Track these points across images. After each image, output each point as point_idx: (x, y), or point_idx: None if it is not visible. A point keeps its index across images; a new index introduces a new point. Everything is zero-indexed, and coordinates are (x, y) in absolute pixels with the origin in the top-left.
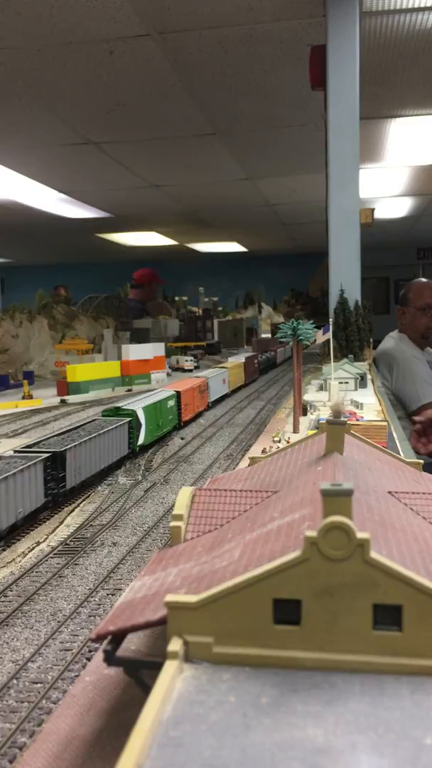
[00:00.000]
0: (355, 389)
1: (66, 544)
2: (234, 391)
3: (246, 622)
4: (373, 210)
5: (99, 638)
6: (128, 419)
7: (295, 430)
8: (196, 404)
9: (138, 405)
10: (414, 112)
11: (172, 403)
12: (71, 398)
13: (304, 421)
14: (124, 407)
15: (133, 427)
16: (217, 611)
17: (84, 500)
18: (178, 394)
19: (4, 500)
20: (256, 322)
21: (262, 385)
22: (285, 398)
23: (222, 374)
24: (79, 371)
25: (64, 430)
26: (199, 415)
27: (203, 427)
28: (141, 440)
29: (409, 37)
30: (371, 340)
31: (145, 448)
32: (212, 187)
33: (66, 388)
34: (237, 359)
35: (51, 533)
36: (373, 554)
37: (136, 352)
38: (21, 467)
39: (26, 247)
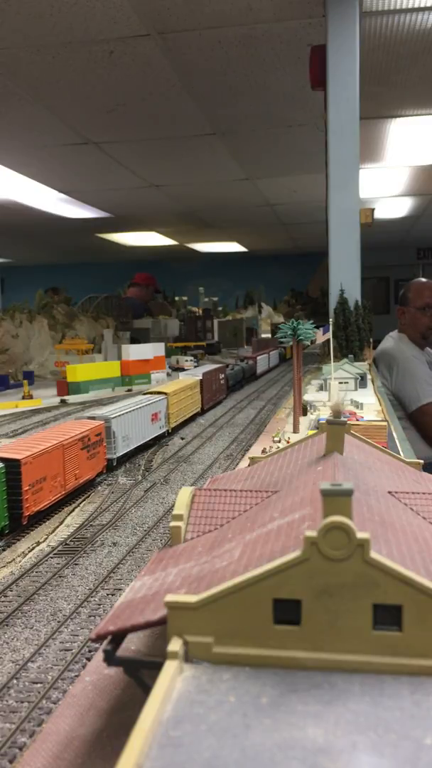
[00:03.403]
0: (355, 389)
1: (66, 544)
2: (181, 426)
3: (246, 622)
4: (373, 210)
5: (99, 638)
6: None
7: (295, 430)
8: (72, 473)
9: None
10: (414, 112)
11: None
12: (71, 398)
13: (304, 421)
14: None
15: None
16: (217, 611)
17: (84, 500)
18: (7, 467)
19: None
20: (256, 322)
21: (262, 385)
22: (285, 398)
23: (153, 406)
24: (79, 371)
25: None
26: (87, 484)
27: (203, 427)
28: None
29: (409, 37)
30: (371, 340)
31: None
32: (212, 187)
33: (66, 388)
34: (191, 375)
35: (51, 533)
36: (373, 554)
37: (136, 352)
38: None
39: (26, 247)
